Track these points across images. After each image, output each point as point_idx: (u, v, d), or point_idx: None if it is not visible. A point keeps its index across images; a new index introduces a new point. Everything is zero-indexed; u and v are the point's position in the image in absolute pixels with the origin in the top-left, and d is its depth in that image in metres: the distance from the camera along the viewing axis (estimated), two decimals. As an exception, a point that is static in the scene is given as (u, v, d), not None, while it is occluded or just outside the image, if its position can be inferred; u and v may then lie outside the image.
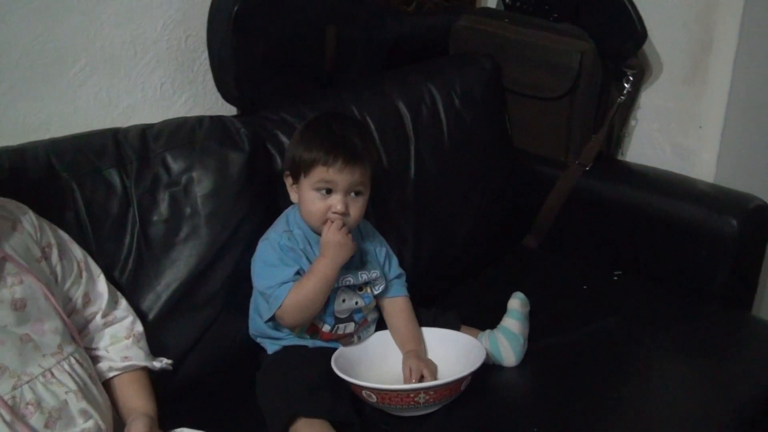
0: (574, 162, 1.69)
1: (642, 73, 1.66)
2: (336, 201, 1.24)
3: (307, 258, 1.28)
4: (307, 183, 1.25)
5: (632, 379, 1.35)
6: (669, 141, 1.70)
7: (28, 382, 0.97)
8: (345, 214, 1.25)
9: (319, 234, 1.28)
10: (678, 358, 1.42)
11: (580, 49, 1.59)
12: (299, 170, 1.26)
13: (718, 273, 1.52)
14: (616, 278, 1.63)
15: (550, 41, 1.63)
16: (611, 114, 1.66)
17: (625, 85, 1.64)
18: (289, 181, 1.31)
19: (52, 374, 1.00)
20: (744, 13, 1.52)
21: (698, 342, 1.43)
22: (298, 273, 1.26)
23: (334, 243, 1.23)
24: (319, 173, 1.24)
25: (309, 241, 1.30)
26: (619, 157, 1.78)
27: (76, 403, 1.00)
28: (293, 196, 1.31)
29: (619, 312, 1.50)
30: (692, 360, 1.40)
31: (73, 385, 1.01)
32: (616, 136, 1.74)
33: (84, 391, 1.02)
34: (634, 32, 1.56)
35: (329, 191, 1.25)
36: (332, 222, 1.24)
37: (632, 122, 1.74)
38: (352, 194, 1.26)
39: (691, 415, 1.25)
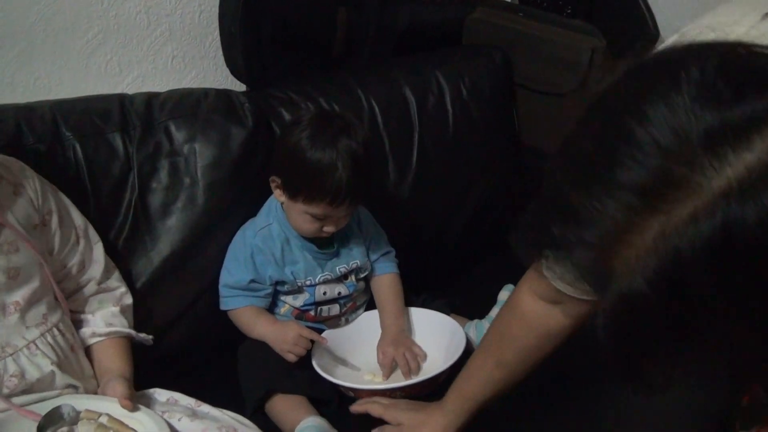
0: (579, 160, 1.67)
1: (654, 75, 1.64)
2: (329, 225, 1.23)
3: (276, 261, 1.26)
4: (302, 207, 1.21)
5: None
6: (677, 145, 1.67)
7: (11, 355, 0.98)
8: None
9: None
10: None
11: (591, 45, 1.58)
12: (296, 194, 1.20)
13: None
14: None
15: (561, 36, 1.62)
16: (620, 113, 1.65)
17: (637, 85, 1.62)
18: (276, 183, 1.24)
19: (36, 346, 1.01)
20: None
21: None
22: (253, 281, 1.26)
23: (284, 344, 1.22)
24: (320, 208, 1.20)
25: (287, 237, 1.27)
26: (627, 158, 1.76)
27: (61, 376, 1.01)
28: (279, 196, 1.25)
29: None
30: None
31: (54, 358, 1.02)
32: (625, 137, 1.72)
33: (64, 364, 1.03)
34: (647, 31, 1.55)
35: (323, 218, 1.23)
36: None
37: (642, 123, 1.72)
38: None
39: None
